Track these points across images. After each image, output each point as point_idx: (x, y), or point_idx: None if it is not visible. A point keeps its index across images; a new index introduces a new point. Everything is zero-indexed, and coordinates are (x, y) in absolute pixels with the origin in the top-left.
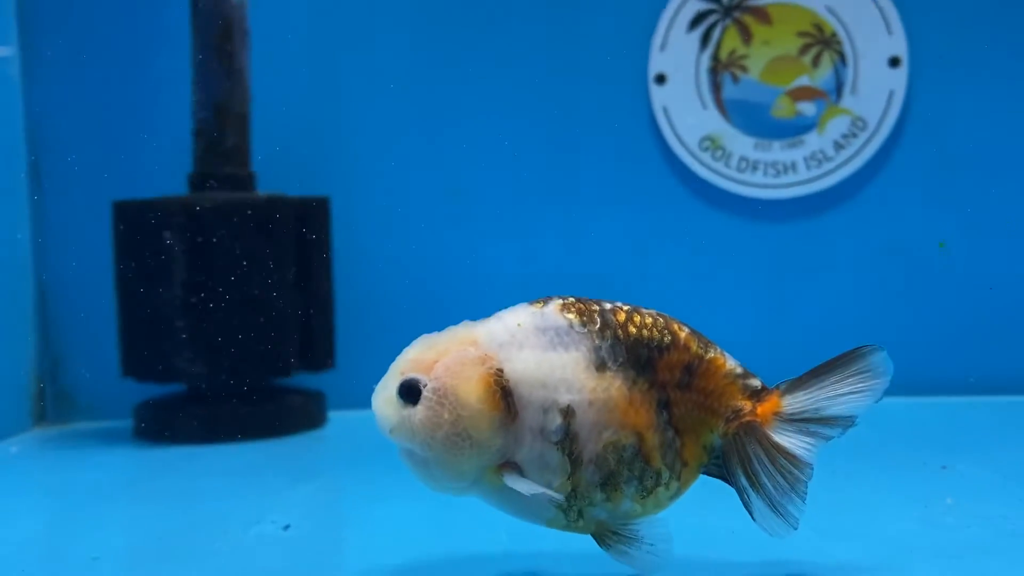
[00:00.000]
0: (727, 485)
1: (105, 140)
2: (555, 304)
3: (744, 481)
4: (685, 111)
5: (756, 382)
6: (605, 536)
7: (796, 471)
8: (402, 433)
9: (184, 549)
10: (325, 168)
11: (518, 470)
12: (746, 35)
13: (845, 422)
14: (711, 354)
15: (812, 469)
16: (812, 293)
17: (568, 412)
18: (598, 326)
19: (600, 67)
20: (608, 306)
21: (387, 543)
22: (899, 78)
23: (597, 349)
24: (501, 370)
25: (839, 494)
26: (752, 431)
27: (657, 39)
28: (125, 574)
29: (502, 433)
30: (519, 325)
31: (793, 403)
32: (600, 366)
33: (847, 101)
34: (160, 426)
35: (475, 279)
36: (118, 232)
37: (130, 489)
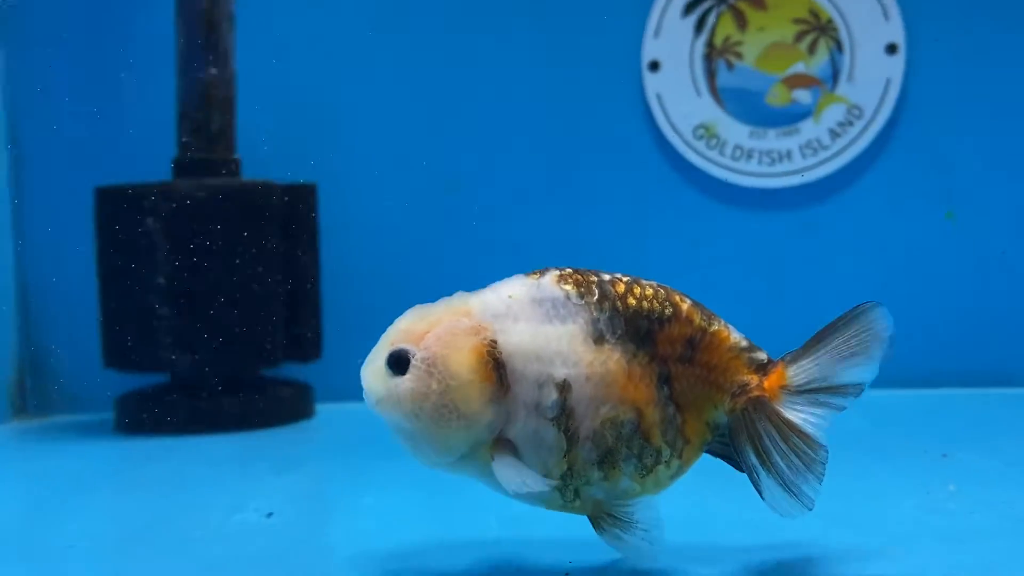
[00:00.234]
0: (727, 465)
1: (87, 125)
2: (552, 275)
3: (754, 459)
4: (679, 98)
5: (762, 355)
6: (601, 519)
7: (811, 451)
8: (388, 404)
9: (162, 537)
10: (312, 154)
11: (511, 448)
12: (741, 21)
13: (854, 389)
14: (715, 327)
15: (827, 451)
16: (808, 282)
17: (564, 387)
18: (596, 297)
19: (593, 54)
20: (607, 277)
21: (373, 530)
22: (896, 65)
23: (595, 321)
24: (495, 341)
25: (839, 480)
26: (761, 407)
27: (651, 25)
28: (98, 562)
29: (493, 407)
30: (510, 296)
31: (799, 374)
32: (598, 339)
33: (843, 89)
34: (143, 418)
35: (465, 268)
36: (100, 219)
37: (111, 479)
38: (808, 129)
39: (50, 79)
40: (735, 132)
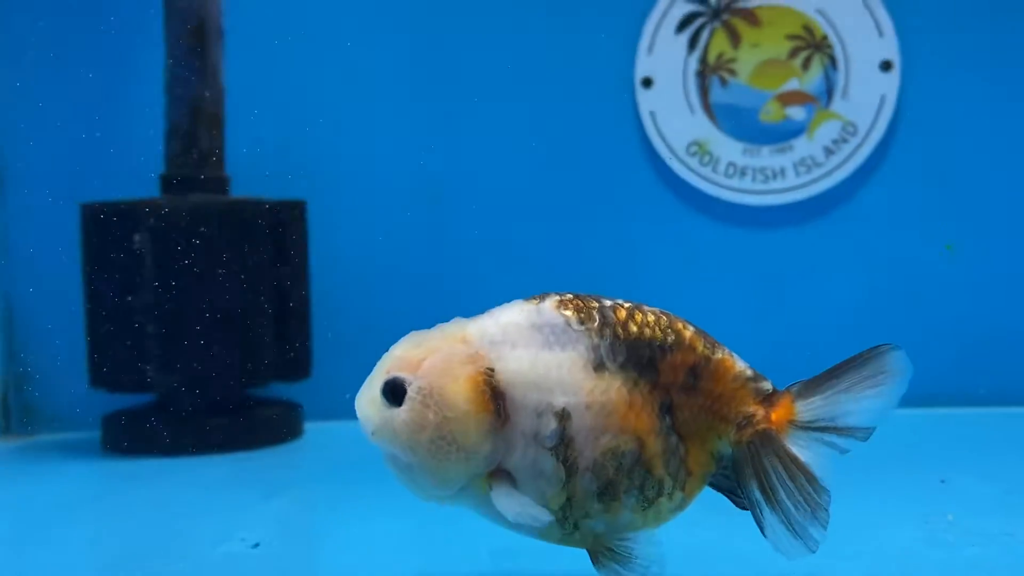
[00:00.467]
0: (726, 499)
1: (73, 140)
2: (552, 300)
3: (758, 495)
4: (672, 115)
5: (767, 385)
6: (600, 553)
7: (816, 496)
8: (384, 436)
9: (143, 569)
10: (302, 171)
11: (509, 479)
12: (735, 38)
13: (863, 433)
14: (719, 355)
15: (830, 496)
16: (801, 301)
17: (563, 415)
18: (597, 324)
19: (586, 70)
20: (608, 303)
21: (362, 563)
22: (891, 82)
23: (595, 348)
24: (492, 370)
25: (834, 508)
26: (768, 440)
27: (644, 42)
28: None
29: (491, 437)
30: (499, 325)
31: (808, 410)
32: (598, 366)
33: (837, 106)
34: (129, 438)
35: (455, 286)
36: (87, 236)
37: (94, 504)
38: (802, 146)
39: (36, 94)
40: (728, 149)
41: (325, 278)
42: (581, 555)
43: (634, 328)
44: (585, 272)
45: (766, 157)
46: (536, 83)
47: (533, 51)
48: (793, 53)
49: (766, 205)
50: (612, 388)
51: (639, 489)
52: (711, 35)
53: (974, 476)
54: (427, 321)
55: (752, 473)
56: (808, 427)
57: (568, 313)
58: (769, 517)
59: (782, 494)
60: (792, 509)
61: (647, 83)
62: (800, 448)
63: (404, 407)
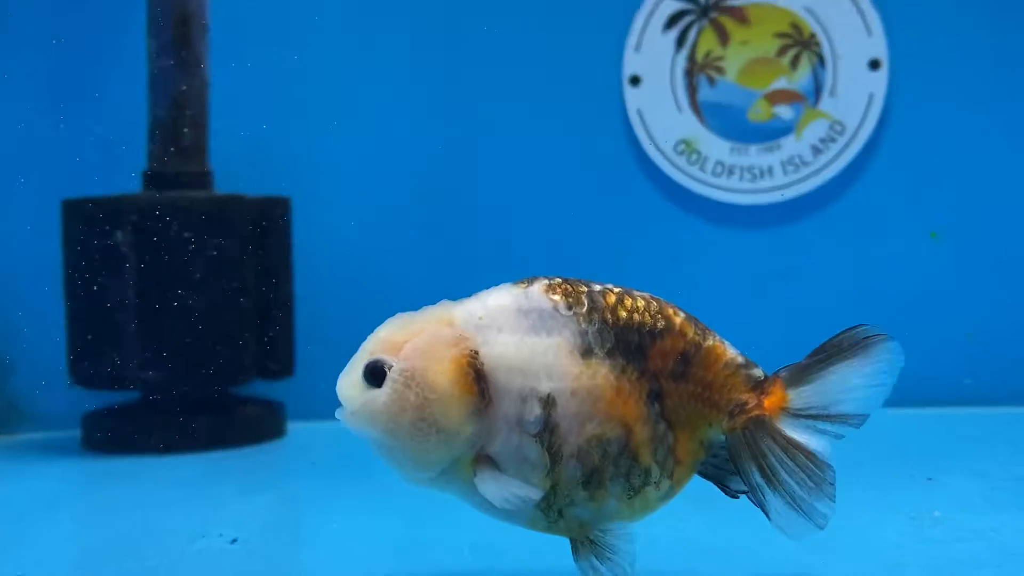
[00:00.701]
0: (716, 489)
1: (54, 135)
2: (540, 284)
3: (759, 479)
4: (660, 114)
5: (759, 372)
6: (581, 543)
7: (819, 471)
8: (363, 418)
9: (119, 565)
10: (286, 167)
11: (492, 464)
12: (723, 36)
13: (856, 420)
14: (710, 341)
15: (834, 472)
16: (789, 300)
17: (549, 401)
18: (585, 308)
19: (573, 68)
20: (597, 288)
21: (341, 559)
22: (879, 81)
23: (583, 333)
24: (476, 353)
25: None
26: (763, 426)
27: (632, 39)
28: None
29: (473, 421)
30: (480, 318)
31: (800, 397)
32: (586, 352)
33: (826, 104)
34: (110, 436)
35: (442, 284)
36: (68, 232)
37: (73, 501)
38: (790, 145)
39: (17, 88)
40: (716, 148)
41: (309, 275)
42: (562, 551)
43: (623, 313)
44: (572, 270)
45: (754, 156)
46: (524, 81)
47: (520, 49)
48: (781, 51)
49: (754, 204)
50: (599, 374)
51: (625, 477)
52: (699, 33)
53: (960, 473)
54: None
55: (751, 457)
56: (800, 414)
57: (556, 297)
58: (772, 500)
59: (783, 474)
60: (796, 487)
61: (635, 81)
62: (796, 434)
63: (384, 388)
